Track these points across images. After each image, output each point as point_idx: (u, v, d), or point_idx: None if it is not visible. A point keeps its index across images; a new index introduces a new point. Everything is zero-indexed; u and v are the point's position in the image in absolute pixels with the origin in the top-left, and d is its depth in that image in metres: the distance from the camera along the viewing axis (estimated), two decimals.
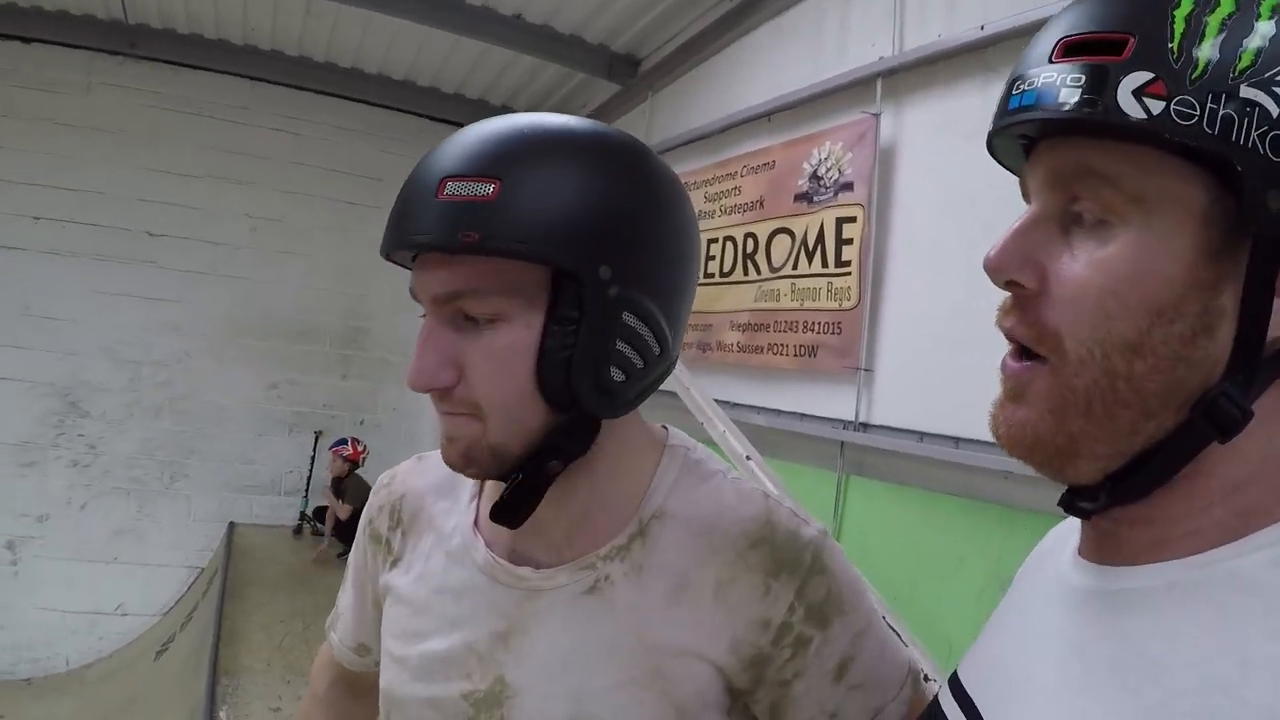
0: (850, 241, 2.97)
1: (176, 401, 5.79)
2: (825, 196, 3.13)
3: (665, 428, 0.95)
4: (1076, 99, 0.52)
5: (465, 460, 0.80)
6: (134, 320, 5.61)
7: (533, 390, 0.78)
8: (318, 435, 6.06)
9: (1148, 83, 0.50)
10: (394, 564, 0.98)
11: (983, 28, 2.51)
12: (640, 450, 0.89)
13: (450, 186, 0.73)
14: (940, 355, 2.50)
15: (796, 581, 0.83)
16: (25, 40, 5.32)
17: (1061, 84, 0.53)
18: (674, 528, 0.86)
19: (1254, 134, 0.48)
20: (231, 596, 4.68)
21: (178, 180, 5.66)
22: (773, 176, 3.49)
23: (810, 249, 3.18)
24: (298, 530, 5.82)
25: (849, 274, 2.96)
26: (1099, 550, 0.60)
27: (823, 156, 3.17)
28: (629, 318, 0.78)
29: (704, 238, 3.89)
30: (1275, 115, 0.48)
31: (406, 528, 0.99)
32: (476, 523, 0.93)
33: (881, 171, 2.90)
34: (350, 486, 5.40)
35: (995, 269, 0.57)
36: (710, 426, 2.62)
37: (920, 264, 2.74)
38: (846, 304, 2.96)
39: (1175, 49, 0.50)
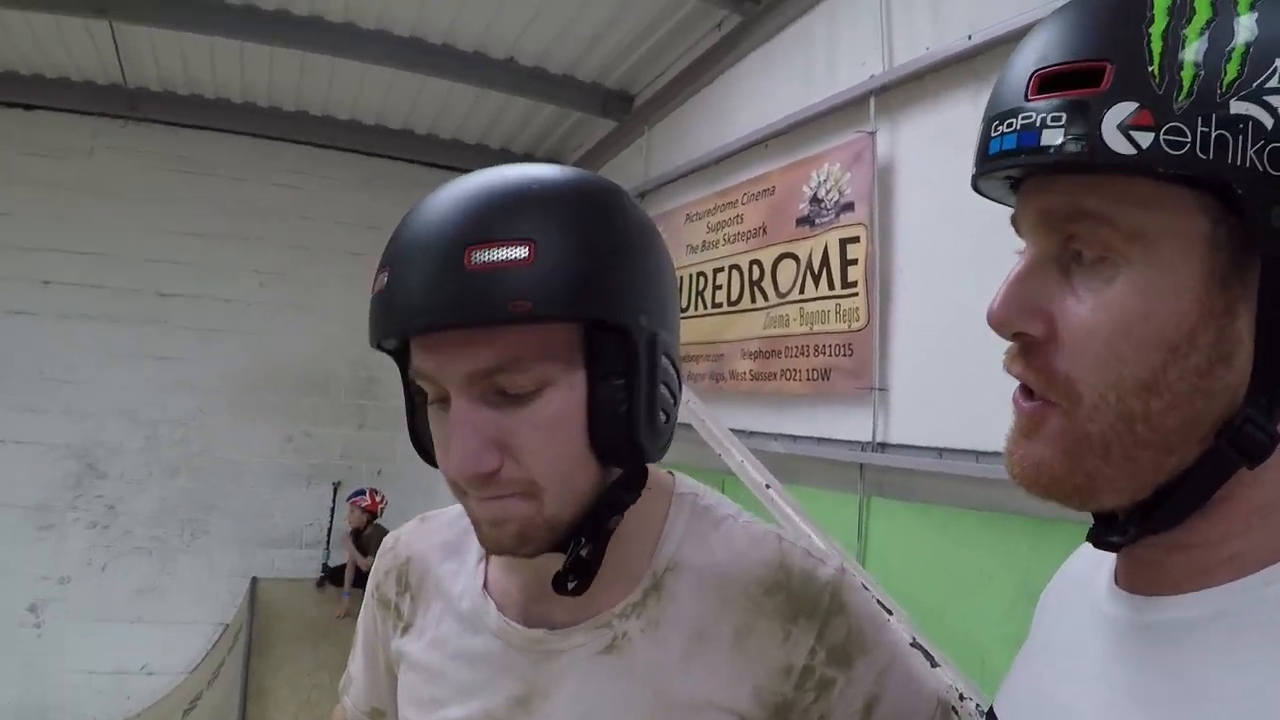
0: (855, 262, 2.96)
1: (193, 459, 5.79)
2: (827, 218, 3.13)
3: (671, 474, 0.92)
4: (1060, 140, 0.50)
5: (520, 541, 0.76)
6: (147, 380, 5.63)
7: (586, 452, 0.76)
8: (336, 486, 6.03)
9: (1133, 114, 0.48)
10: (405, 630, 0.96)
11: (970, 37, 2.52)
12: (652, 499, 0.86)
13: (477, 255, 0.68)
14: (954, 369, 2.48)
15: (816, 624, 0.82)
16: (27, 108, 5.40)
17: (1042, 124, 0.51)
18: (688, 579, 0.84)
19: (1250, 151, 0.46)
20: (257, 652, 4.67)
21: (185, 239, 5.70)
22: (773, 202, 3.50)
23: (816, 272, 3.18)
24: (320, 583, 5.78)
25: (856, 294, 2.95)
26: (1139, 580, 0.58)
27: (821, 178, 3.17)
28: (663, 360, 0.77)
29: (709, 267, 3.91)
30: (1270, 127, 0.46)
31: (415, 592, 0.96)
32: (486, 585, 0.90)
33: (881, 189, 2.90)
34: (371, 538, 5.38)
35: (1001, 323, 0.55)
36: (728, 457, 2.60)
37: (927, 278, 2.73)
38: (856, 324, 2.95)
39: (1156, 72, 0.48)
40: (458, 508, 0.93)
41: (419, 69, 4.58)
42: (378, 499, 5.65)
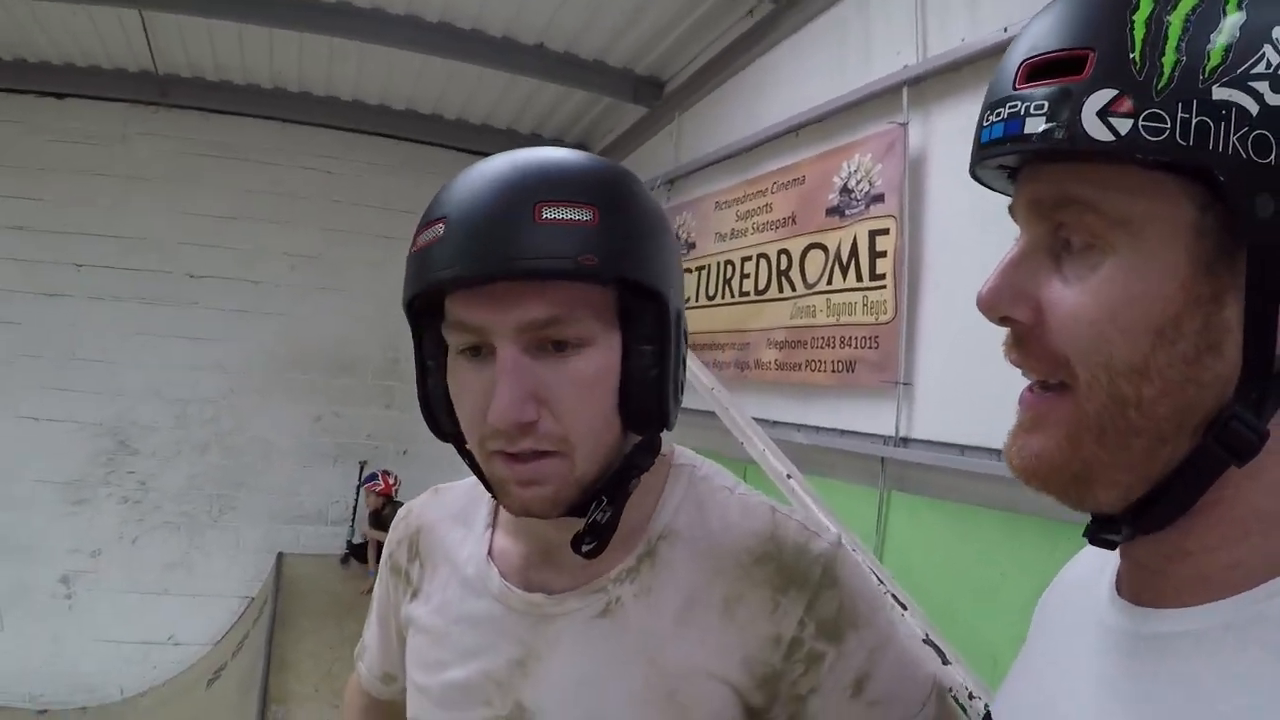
0: (884, 254, 2.94)
1: (223, 437, 5.88)
2: (857, 209, 3.10)
3: (671, 446, 0.95)
4: (1042, 127, 0.50)
5: (554, 503, 0.78)
6: (179, 360, 5.72)
7: (614, 414, 0.79)
8: (362, 465, 6.10)
9: (1112, 101, 0.48)
10: (413, 595, 0.99)
11: (1005, 29, 2.47)
12: (652, 469, 0.88)
13: (547, 211, 0.72)
14: (979, 366, 2.44)
15: (806, 596, 0.83)
16: (60, 96, 5.48)
17: (1026, 112, 0.51)
18: (681, 547, 0.86)
19: (1233, 137, 0.45)
20: (281, 625, 4.75)
21: (216, 223, 5.77)
22: (803, 191, 3.47)
23: (844, 263, 3.16)
24: (345, 559, 5.85)
25: (884, 287, 2.93)
26: (1142, 589, 0.57)
27: (852, 169, 3.15)
28: (683, 335, 0.83)
29: (737, 256, 3.89)
30: (1255, 114, 0.45)
31: (424, 560, 1.00)
32: (490, 552, 0.93)
33: (912, 181, 2.87)
34: (389, 516, 5.42)
35: (989, 307, 0.56)
36: (750, 446, 2.59)
37: (956, 273, 2.70)
38: (883, 318, 2.93)
39: (1138, 59, 0.48)
40: (470, 480, 0.96)
41: (448, 54, 4.58)
42: (390, 481, 5.70)
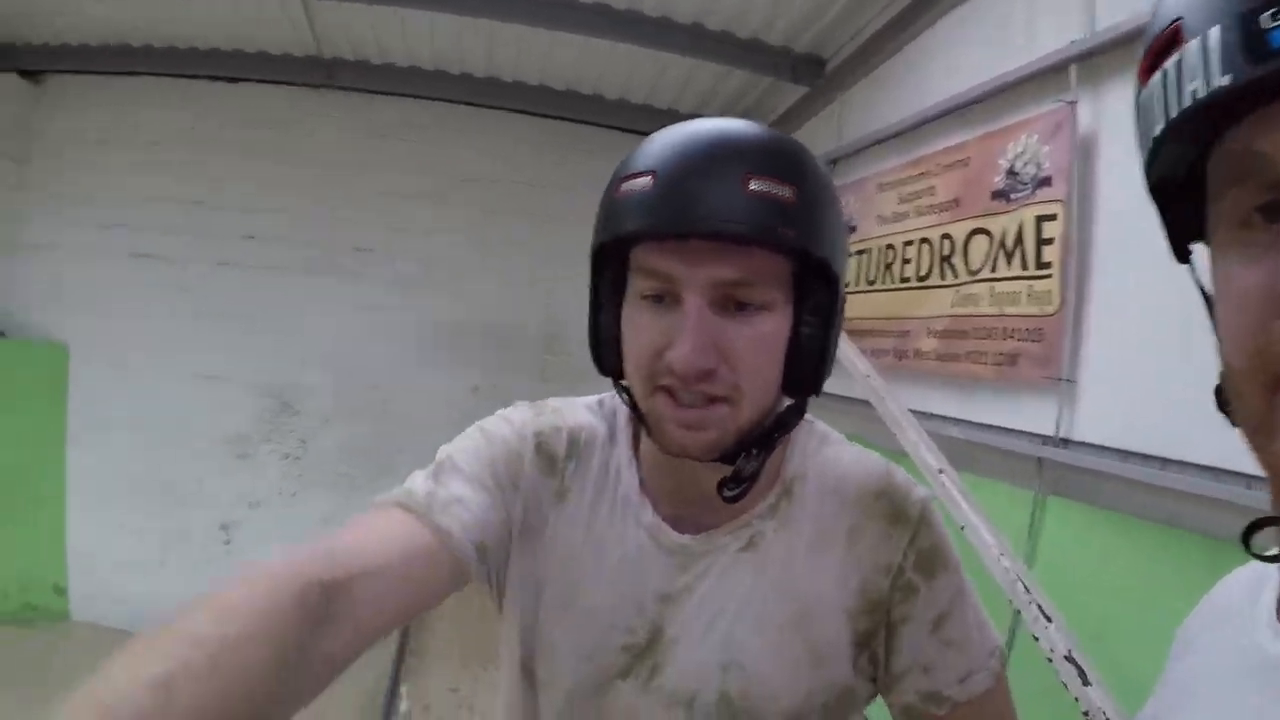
0: (1050, 241, 2.75)
1: (383, 403, 6.12)
2: (1023, 193, 2.93)
3: None
4: None
5: (713, 448, 0.85)
6: (343, 327, 6.00)
7: (777, 376, 0.87)
8: None
9: None
10: (560, 497, 0.98)
11: None
12: None
13: (754, 183, 0.80)
14: (1149, 365, 2.26)
15: (910, 530, 0.94)
16: (231, 80, 5.81)
17: None
18: (812, 486, 0.97)
19: None
20: None
21: (380, 199, 6.01)
22: (967, 174, 3.31)
23: (1009, 250, 2.99)
24: None
25: (1050, 276, 2.74)
26: None
27: (1018, 150, 2.98)
28: (843, 311, 0.91)
29: (899, 240, 3.78)
30: None
31: (580, 462, 0.99)
32: (642, 484, 0.99)
33: (1081, 164, 2.67)
34: None
35: None
36: (903, 437, 2.51)
37: (1127, 264, 2.49)
38: (1047, 309, 2.75)
39: None
40: (589, 404, 1.07)
41: (606, 35, 4.57)
42: None
